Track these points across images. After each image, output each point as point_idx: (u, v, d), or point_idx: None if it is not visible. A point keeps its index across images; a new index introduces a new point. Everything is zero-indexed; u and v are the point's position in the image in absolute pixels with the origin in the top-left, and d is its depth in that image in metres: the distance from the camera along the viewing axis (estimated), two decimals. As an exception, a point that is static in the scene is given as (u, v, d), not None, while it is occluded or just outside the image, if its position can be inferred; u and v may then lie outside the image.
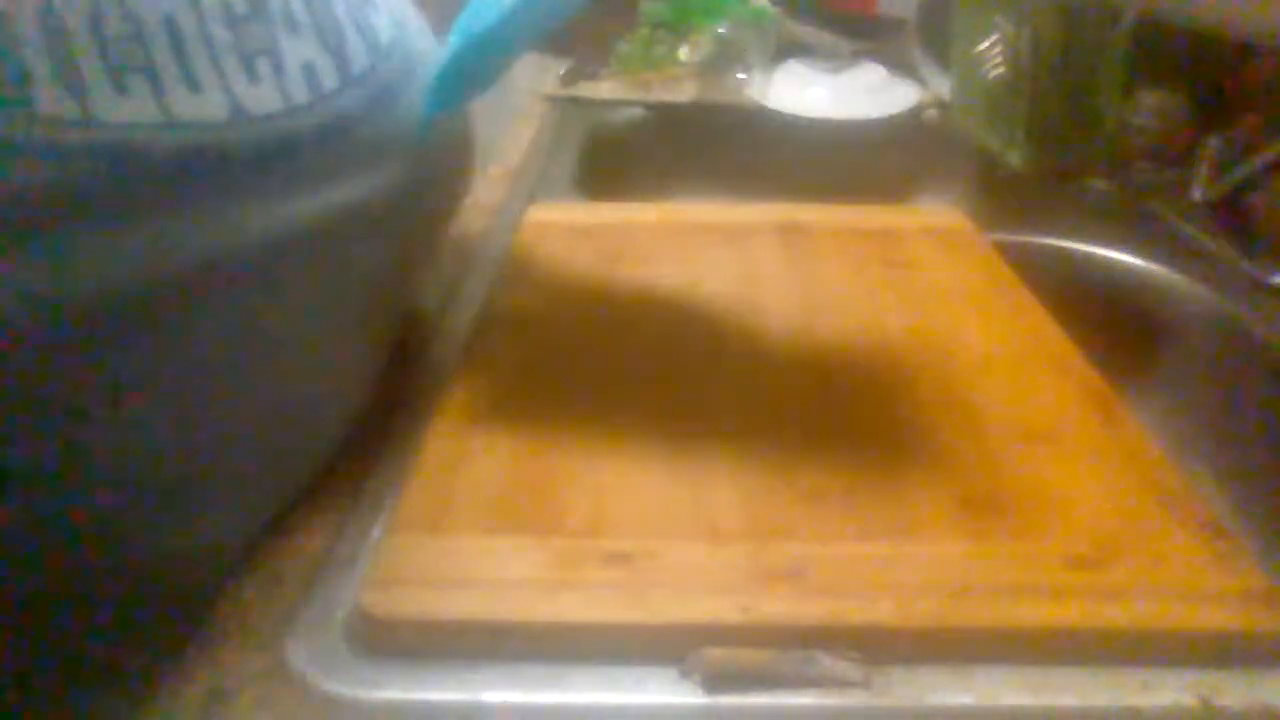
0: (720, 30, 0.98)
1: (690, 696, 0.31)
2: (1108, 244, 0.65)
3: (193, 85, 0.29)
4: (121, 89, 0.27)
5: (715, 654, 0.31)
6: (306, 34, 0.34)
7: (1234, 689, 0.31)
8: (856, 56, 0.96)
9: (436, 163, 0.42)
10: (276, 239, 0.32)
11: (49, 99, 0.26)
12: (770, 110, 0.91)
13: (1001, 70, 0.75)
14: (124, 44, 0.27)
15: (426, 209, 0.43)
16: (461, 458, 0.40)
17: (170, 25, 0.29)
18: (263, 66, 0.32)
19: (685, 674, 0.31)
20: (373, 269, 0.39)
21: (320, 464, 0.40)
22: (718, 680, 0.31)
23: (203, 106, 0.29)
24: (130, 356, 0.29)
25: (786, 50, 0.99)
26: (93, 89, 0.27)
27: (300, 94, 0.33)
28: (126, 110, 0.27)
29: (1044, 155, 0.74)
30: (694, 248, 0.60)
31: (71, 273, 0.27)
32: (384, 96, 0.37)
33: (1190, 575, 0.34)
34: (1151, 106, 0.73)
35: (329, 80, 0.34)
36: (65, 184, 0.26)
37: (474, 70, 0.39)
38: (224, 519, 0.36)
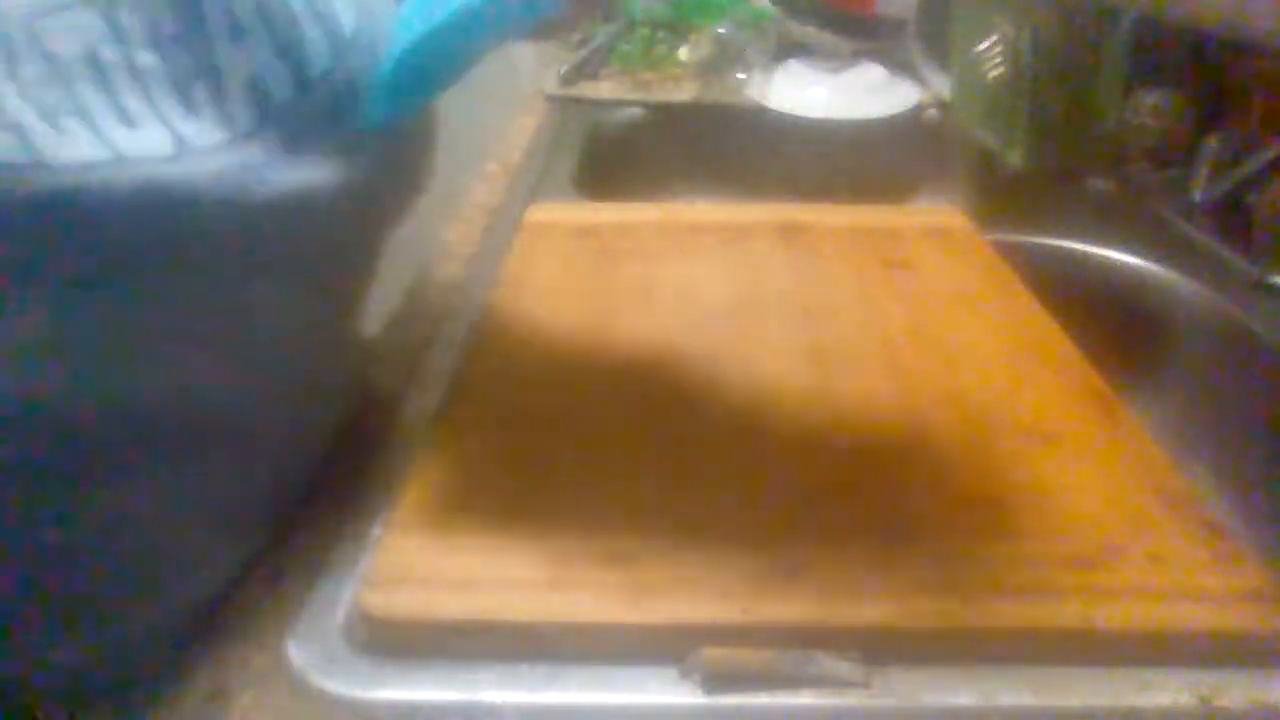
0: (720, 30, 0.98)
1: (690, 696, 0.31)
2: (1108, 244, 0.65)
3: (127, 121, 0.27)
4: (60, 130, 0.25)
5: (715, 654, 0.31)
6: (254, 39, 0.30)
7: (1234, 689, 0.31)
8: (856, 56, 0.96)
9: (397, 161, 0.38)
10: (241, 262, 0.30)
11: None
12: (770, 110, 0.91)
13: (1001, 70, 0.75)
14: (46, 86, 0.25)
15: (385, 207, 0.39)
16: (461, 458, 0.40)
17: (92, 59, 0.26)
18: (199, 94, 0.28)
19: (685, 674, 0.31)
20: (332, 269, 0.37)
21: (293, 499, 0.39)
22: (718, 680, 0.31)
23: (144, 141, 0.27)
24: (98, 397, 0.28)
25: (786, 50, 0.99)
26: (33, 132, 0.25)
27: (247, 116, 0.29)
28: (72, 150, 0.25)
29: (1044, 155, 0.74)
30: (694, 248, 0.60)
31: (30, 326, 0.26)
32: (348, 96, 0.33)
33: (1190, 575, 0.34)
34: (1151, 106, 0.73)
35: (282, 90, 0.30)
36: (13, 233, 0.25)
37: (435, 66, 0.34)
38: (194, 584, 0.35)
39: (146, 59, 0.27)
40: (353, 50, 0.33)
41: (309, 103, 0.31)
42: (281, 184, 0.30)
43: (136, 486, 0.31)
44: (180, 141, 0.27)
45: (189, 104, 0.28)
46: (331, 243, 0.34)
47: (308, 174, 0.31)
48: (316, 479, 0.41)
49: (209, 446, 0.32)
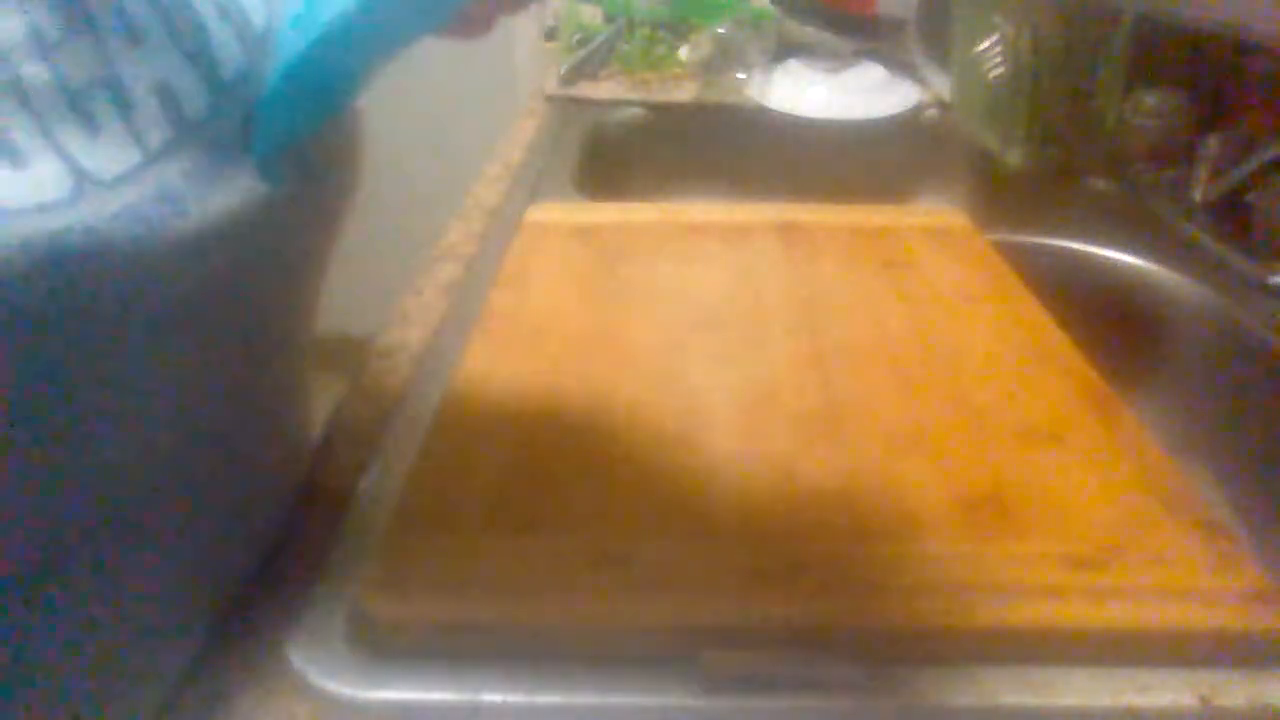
0: (720, 30, 0.98)
1: (690, 696, 0.31)
2: (1108, 244, 0.65)
3: (12, 157, 0.21)
4: None
5: (715, 654, 0.31)
6: (155, 42, 0.25)
7: (1234, 689, 0.31)
8: (856, 56, 0.96)
9: (321, 181, 0.32)
10: (159, 321, 0.24)
11: None
12: (770, 110, 0.91)
13: (1001, 70, 0.75)
14: None
15: (314, 235, 0.33)
16: (462, 458, 0.40)
17: None
18: (101, 107, 0.23)
19: (685, 675, 0.31)
20: (267, 314, 0.32)
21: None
22: (718, 681, 0.31)
23: (32, 184, 0.21)
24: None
25: (786, 50, 0.99)
26: None
27: (160, 131, 0.24)
28: None
29: (1044, 155, 0.74)
30: (694, 248, 0.60)
31: None
32: None
33: (1190, 575, 0.34)
34: (1151, 106, 0.73)
35: (195, 101, 0.25)
36: None
37: (325, 81, 0.28)
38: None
39: (34, 72, 0.22)
40: (267, 49, 0.28)
41: (225, 112, 0.26)
42: (206, 213, 0.25)
43: (57, 595, 0.26)
44: (80, 177, 0.22)
45: (90, 124, 0.23)
46: (264, 280, 0.30)
47: (235, 197, 0.26)
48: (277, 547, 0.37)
49: (129, 545, 0.28)
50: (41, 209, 0.21)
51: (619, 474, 0.39)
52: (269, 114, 0.28)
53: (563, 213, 0.65)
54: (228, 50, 0.27)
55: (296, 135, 0.29)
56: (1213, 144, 0.68)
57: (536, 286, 0.54)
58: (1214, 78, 0.72)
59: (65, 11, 0.23)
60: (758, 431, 0.41)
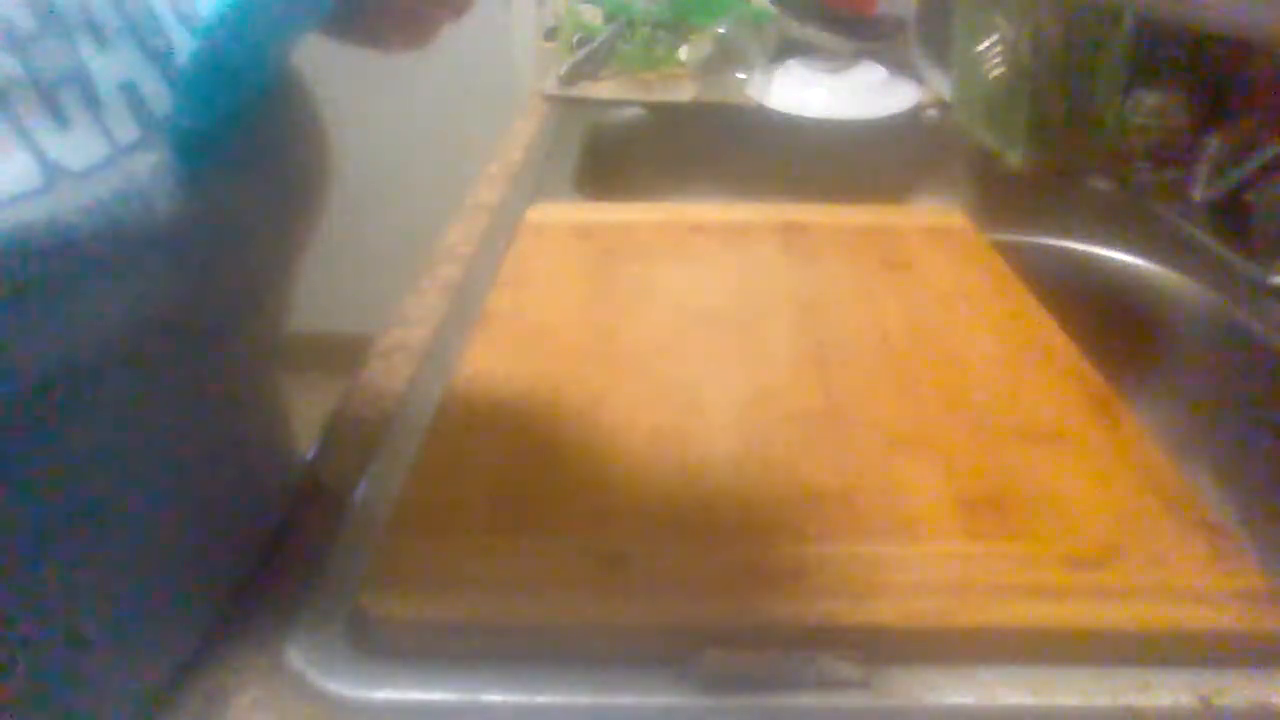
0: (720, 30, 0.98)
1: (690, 697, 0.31)
2: (1108, 244, 0.65)
3: None
4: None
5: (715, 655, 0.31)
6: (118, 39, 0.25)
7: (1234, 689, 0.31)
8: (856, 56, 0.96)
9: (289, 181, 0.32)
10: (145, 313, 0.25)
11: None
12: (770, 110, 0.91)
13: (1001, 70, 0.75)
14: None
15: (280, 236, 0.33)
16: (461, 458, 0.40)
17: None
18: (70, 101, 0.23)
19: (685, 675, 0.31)
20: (235, 316, 0.32)
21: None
22: (718, 681, 0.31)
23: (6, 177, 0.22)
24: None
25: (786, 50, 0.99)
26: None
27: (127, 128, 0.24)
28: None
29: (1044, 155, 0.74)
30: (694, 248, 0.60)
31: None
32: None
33: (1190, 575, 0.34)
34: (1151, 106, 0.73)
35: (160, 101, 0.26)
36: None
37: (237, 54, 0.28)
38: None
39: (7, 64, 0.22)
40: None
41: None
42: (172, 211, 0.25)
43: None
44: (51, 169, 0.22)
45: (60, 117, 0.23)
46: (229, 278, 0.30)
47: (200, 197, 0.26)
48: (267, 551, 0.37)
49: (103, 539, 0.28)
50: (12, 200, 0.21)
51: (619, 474, 0.39)
52: (188, 86, 0.27)
53: (563, 213, 0.65)
54: (182, 46, 0.27)
55: (216, 110, 0.28)
56: (1213, 144, 0.68)
57: (536, 286, 0.54)
58: (1214, 78, 0.72)
59: (35, 6, 0.23)
60: (758, 431, 0.41)
